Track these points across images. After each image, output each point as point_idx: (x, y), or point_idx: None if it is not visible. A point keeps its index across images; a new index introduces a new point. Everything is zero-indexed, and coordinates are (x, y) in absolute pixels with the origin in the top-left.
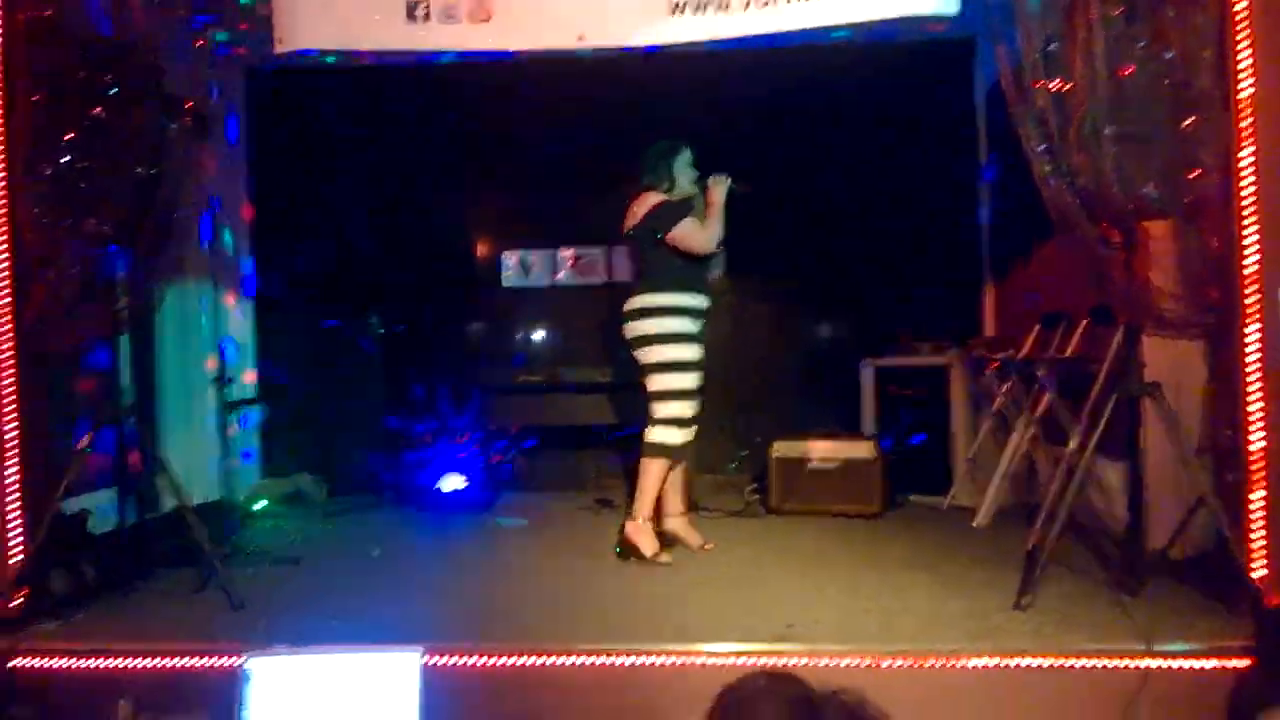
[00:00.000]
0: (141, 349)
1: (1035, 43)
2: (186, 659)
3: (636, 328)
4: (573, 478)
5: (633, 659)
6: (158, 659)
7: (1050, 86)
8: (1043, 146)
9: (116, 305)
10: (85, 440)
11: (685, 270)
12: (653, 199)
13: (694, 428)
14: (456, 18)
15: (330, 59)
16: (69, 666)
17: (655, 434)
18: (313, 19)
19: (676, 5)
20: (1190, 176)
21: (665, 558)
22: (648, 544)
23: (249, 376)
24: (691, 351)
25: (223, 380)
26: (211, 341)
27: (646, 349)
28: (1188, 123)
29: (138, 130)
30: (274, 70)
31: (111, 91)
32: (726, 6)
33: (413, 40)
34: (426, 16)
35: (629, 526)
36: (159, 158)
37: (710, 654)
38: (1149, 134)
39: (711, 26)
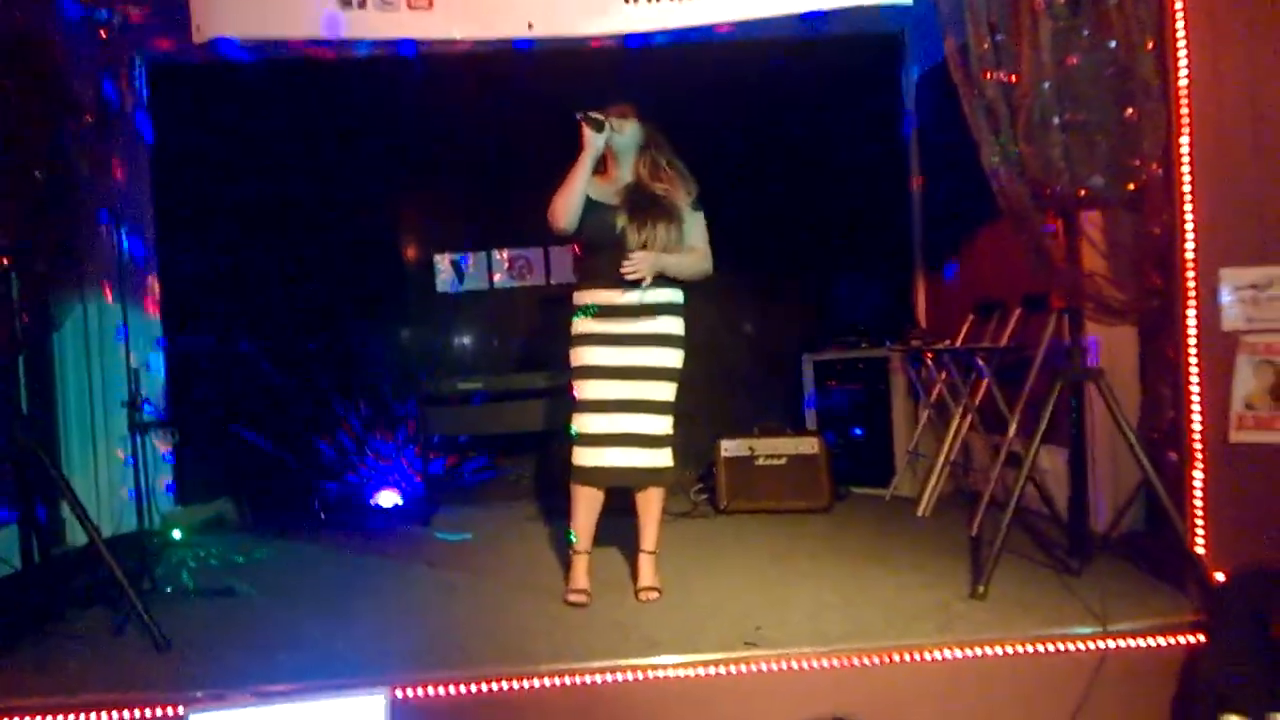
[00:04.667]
0: (41, 371)
1: (983, 33)
2: (115, 711)
3: None
4: (515, 488)
5: (601, 677)
6: (83, 713)
7: (999, 76)
8: (992, 136)
9: (12, 325)
10: None
11: (591, 261)
12: None
13: (608, 449)
14: (395, 5)
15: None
16: None
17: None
18: (234, 5)
19: None
20: (1133, 164)
21: (574, 598)
22: (570, 576)
23: (159, 396)
24: (591, 355)
25: (132, 402)
26: (117, 360)
27: None
28: (1130, 112)
29: (35, 131)
30: (181, 65)
31: (4, 88)
32: None
33: (346, 28)
34: (362, 3)
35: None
36: (59, 161)
37: (679, 665)
38: (1094, 123)
39: (667, 15)
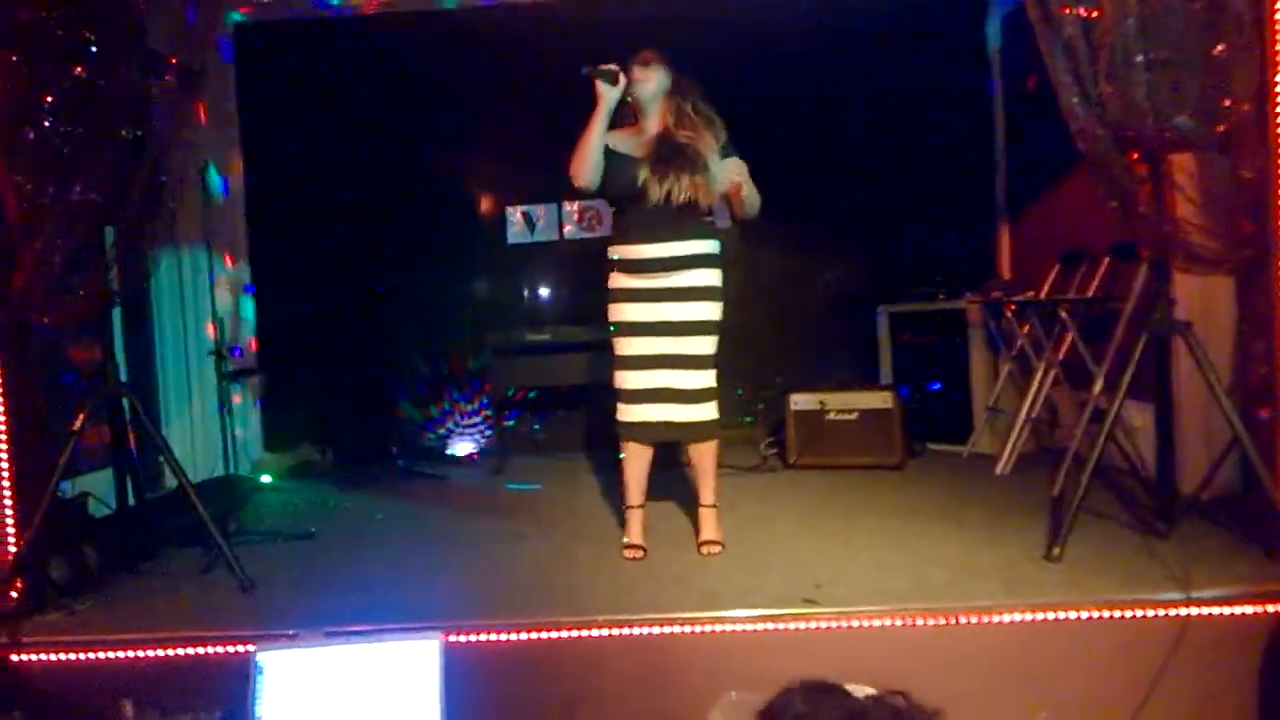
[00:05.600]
0: (137, 321)
1: None
2: (196, 648)
3: None
4: (584, 439)
5: (657, 629)
6: (165, 649)
7: (1078, 13)
8: (1070, 76)
9: (108, 276)
10: (80, 419)
11: (624, 216)
12: None
13: (648, 405)
14: None
15: (335, 1)
16: (73, 660)
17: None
18: None
19: None
20: (1223, 105)
21: (629, 554)
22: (625, 531)
23: (248, 345)
24: (626, 311)
25: (222, 350)
26: (209, 310)
27: None
28: (1220, 48)
29: (121, 90)
30: (263, 23)
31: (91, 50)
32: None
33: None
34: None
35: None
36: (145, 119)
37: (736, 620)
38: (1180, 61)
39: None
